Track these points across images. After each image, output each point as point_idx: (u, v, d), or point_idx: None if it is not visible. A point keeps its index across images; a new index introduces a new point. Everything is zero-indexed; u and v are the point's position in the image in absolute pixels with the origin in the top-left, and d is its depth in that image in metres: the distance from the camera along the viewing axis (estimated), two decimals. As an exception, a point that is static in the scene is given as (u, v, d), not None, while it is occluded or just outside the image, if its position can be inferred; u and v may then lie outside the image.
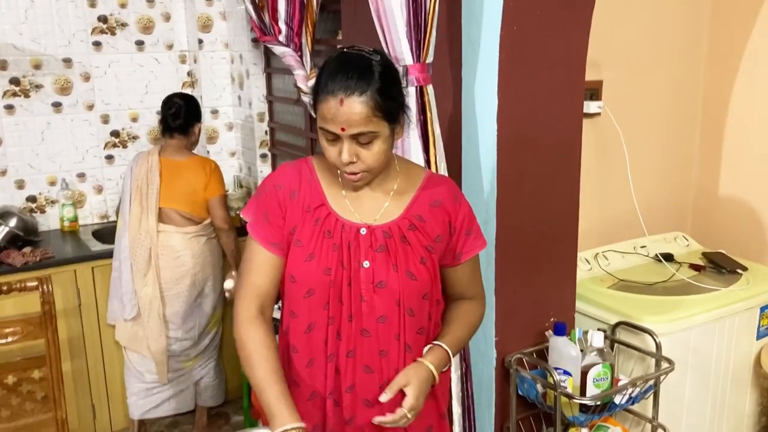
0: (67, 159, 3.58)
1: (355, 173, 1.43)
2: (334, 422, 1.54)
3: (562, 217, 2.19)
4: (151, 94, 3.70)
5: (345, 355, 1.50)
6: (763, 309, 2.48)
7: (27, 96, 3.44)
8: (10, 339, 2.14)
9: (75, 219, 3.56)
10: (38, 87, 3.45)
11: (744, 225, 2.90)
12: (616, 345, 2.26)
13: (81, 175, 3.63)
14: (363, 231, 1.49)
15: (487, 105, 2.02)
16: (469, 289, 1.65)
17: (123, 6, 3.58)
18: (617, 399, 2.07)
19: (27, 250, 3.13)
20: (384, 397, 1.46)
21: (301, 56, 2.60)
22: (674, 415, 2.35)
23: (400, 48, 1.91)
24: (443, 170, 2.02)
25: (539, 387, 2.09)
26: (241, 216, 1.60)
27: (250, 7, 2.74)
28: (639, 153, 2.79)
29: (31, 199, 3.53)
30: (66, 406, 2.24)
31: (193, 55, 3.74)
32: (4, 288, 2.20)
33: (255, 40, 3.45)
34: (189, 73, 3.80)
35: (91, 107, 3.59)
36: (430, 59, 1.95)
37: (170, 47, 3.74)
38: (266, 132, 3.65)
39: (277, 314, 1.61)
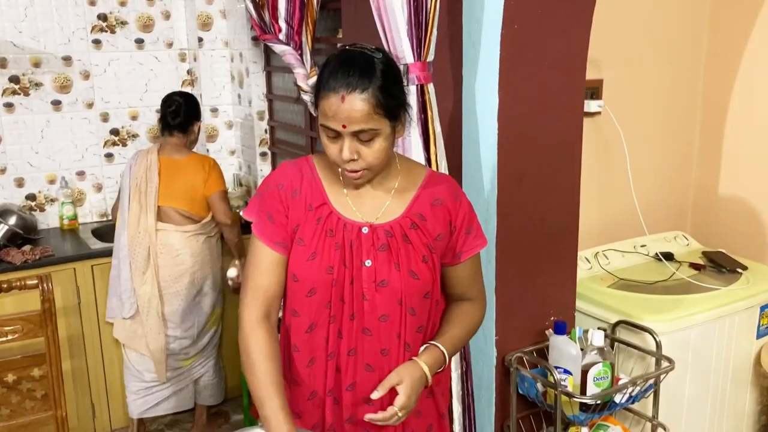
0: (66, 157, 3.58)
1: (356, 171, 1.43)
2: (334, 420, 1.54)
3: (563, 216, 2.19)
4: (150, 93, 3.70)
5: (346, 353, 1.50)
6: (763, 308, 2.49)
7: (26, 94, 3.43)
8: (10, 337, 2.14)
9: (74, 217, 3.56)
10: (38, 85, 3.45)
11: (744, 224, 2.90)
12: (616, 344, 2.26)
13: (80, 174, 3.63)
14: (365, 230, 1.49)
15: (488, 103, 2.02)
16: (470, 290, 1.64)
17: (123, 4, 3.58)
18: (617, 398, 2.07)
19: (26, 248, 3.13)
20: (375, 394, 1.46)
21: (301, 55, 2.60)
22: (674, 414, 2.35)
23: (400, 46, 1.91)
24: (444, 169, 2.02)
25: (539, 386, 2.09)
26: (243, 217, 1.59)
27: (250, 6, 2.73)
28: (639, 152, 2.79)
29: (31, 197, 3.53)
30: (66, 404, 2.23)
31: (192, 53, 3.73)
32: (4, 286, 2.20)
33: (255, 39, 3.45)
34: (189, 72, 3.80)
35: (90, 105, 3.59)
36: (431, 58, 1.95)
37: (170, 45, 3.74)
38: (266, 130, 3.65)
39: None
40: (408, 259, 1.49)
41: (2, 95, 3.38)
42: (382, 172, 1.50)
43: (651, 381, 2.14)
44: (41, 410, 2.20)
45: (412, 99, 1.92)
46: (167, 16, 3.70)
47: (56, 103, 3.50)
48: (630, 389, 2.07)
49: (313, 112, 2.83)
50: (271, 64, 3.53)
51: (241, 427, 3.16)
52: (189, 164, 3.01)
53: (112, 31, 3.58)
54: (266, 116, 3.63)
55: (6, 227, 3.19)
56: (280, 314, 1.58)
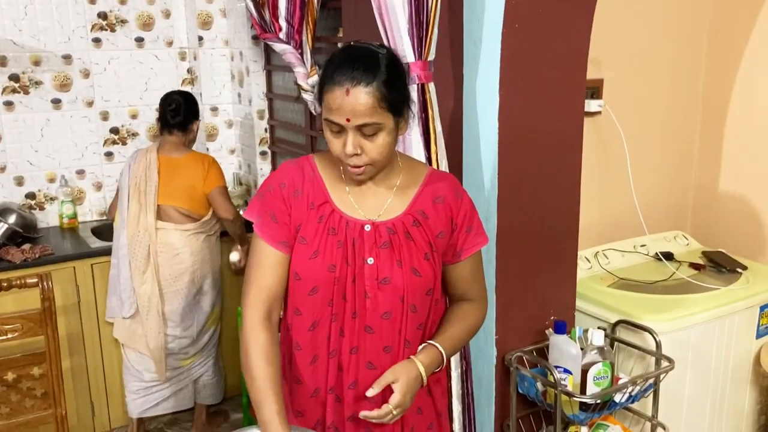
0: (66, 156, 3.57)
1: (358, 166, 1.43)
2: (336, 418, 1.54)
3: (563, 215, 2.19)
4: (150, 91, 3.70)
5: (348, 351, 1.50)
6: (762, 308, 2.49)
7: (26, 92, 3.43)
8: (9, 336, 2.14)
9: (74, 216, 3.56)
10: (38, 83, 3.45)
11: (744, 224, 2.90)
12: (616, 343, 2.26)
13: (80, 172, 3.63)
14: (367, 228, 1.49)
15: (489, 102, 2.02)
16: (471, 290, 1.64)
17: (123, 3, 3.57)
18: (617, 397, 2.07)
19: (26, 246, 3.13)
20: (371, 392, 1.45)
21: (301, 53, 2.60)
22: (674, 413, 2.35)
23: (401, 45, 1.91)
24: (444, 167, 2.02)
25: (539, 385, 2.09)
26: (245, 217, 1.58)
27: (251, 4, 2.73)
28: (639, 151, 2.79)
29: (31, 195, 3.52)
30: (65, 403, 2.23)
31: (192, 52, 3.73)
32: (4, 284, 2.20)
33: (255, 38, 3.45)
34: (189, 70, 3.80)
35: (90, 104, 3.59)
36: (431, 56, 1.96)
37: (170, 44, 3.73)
38: (266, 129, 3.65)
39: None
40: (410, 256, 1.49)
41: (2, 93, 3.38)
42: (384, 170, 1.50)
43: (651, 380, 2.14)
44: (41, 409, 2.20)
45: (413, 98, 1.92)
46: (167, 14, 3.70)
47: (56, 102, 3.50)
48: (630, 389, 2.07)
49: (313, 111, 2.84)
50: (271, 62, 3.53)
51: (240, 426, 3.17)
52: (188, 163, 3.01)
53: (112, 30, 3.58)
54: (266, 115, 3.63)
55: (6, 226, 3.19)
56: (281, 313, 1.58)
